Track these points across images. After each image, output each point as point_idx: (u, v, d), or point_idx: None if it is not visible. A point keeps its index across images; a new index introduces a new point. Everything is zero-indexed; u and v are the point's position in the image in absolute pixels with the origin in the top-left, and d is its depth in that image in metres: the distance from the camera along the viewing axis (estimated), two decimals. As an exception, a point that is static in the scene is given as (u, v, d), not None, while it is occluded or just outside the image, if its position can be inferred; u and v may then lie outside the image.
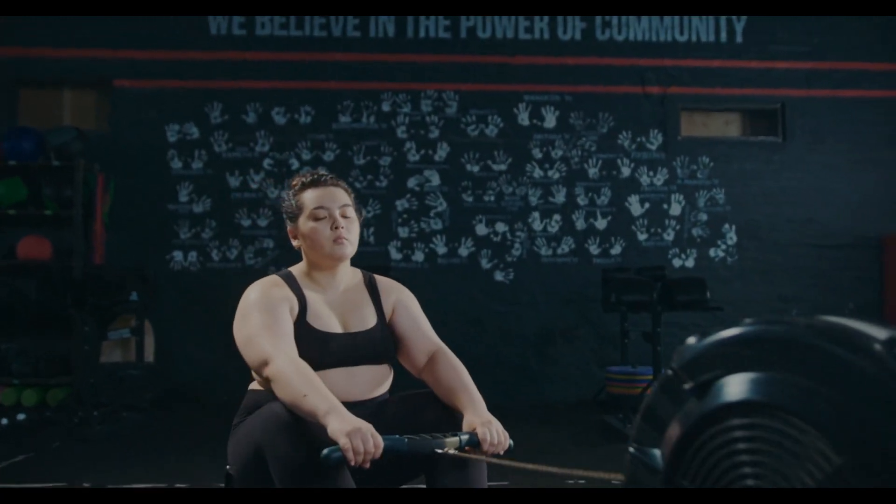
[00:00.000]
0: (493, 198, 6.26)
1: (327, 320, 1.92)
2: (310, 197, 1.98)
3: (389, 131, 6.23)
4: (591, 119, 6.34)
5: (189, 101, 6.12)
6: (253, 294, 1.89)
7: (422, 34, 6.27)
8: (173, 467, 3.77)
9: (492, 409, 1.86)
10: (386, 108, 6.24)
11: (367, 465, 1.59)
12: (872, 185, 6.46)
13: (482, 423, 1.76)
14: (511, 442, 1.77)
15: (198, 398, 5.77)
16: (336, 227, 1.94)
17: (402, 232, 6.19)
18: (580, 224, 6.29)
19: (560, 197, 6.30)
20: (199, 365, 5.89)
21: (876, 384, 0.74)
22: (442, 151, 6.25)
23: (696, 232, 6.39)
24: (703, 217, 6.40)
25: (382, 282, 2.07)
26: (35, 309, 5.60)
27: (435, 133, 6.25)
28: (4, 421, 5.00)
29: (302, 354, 1.80)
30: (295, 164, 6.15)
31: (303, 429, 1.68)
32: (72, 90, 6.28)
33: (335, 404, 1.65)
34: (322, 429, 1.63)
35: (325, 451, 1.57)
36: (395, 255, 6.16)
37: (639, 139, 6.37)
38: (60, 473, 3.64)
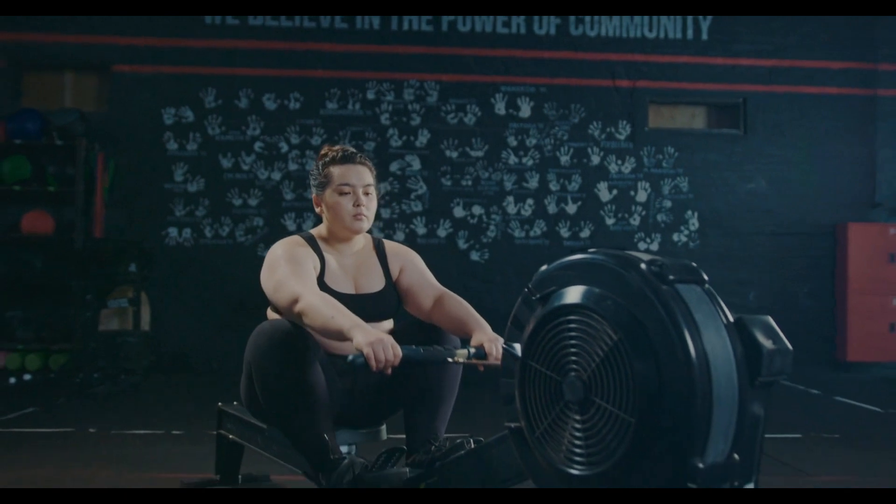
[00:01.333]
0: (470, 182, 6.66)
1: (342, 282, 2.19)
2: (338, 172, 2.21)
3: (374, 118, 6.62)
4: (563, 110, 6.74)
5: (185, 86, 6.48)
6: (279, 249, 2.14)
7: (405, 27, 6.65)
8: (169, 417, 4.18)
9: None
10: (371, 96, 6.62)
11: (389, 372, 1.82)
12: (826, 176, 6.89)
13: (488, 339, 2.09)
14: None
15: (190, 365, 6.18)
16: (358, 205, 2.19)
17: (384, 213, 6.59)
18: (552, 208, 6.71)
19: (533, 182, 6.71)
20: (191, 334, 6.29)
21: (637, 289, 1.15)
22: (423, 138, 6.64)
23: (660, 218, 6.81)
24: (668, 204, 6.82)
25: (390, 246, 2.34)
26: (38, 279, 5.98)
27: (416, 120, 6.64)
28: (13, 380, 5.40)
29: None
30: (284, 147, 6.53)
31: (290, 340, 1.95)
32: (73, 74, 6.63)
33: (358, 321, 1.88)
34: (304, 341, 1.93)
35: (350, 356, 1.78)
36: (377, 234, 6.56)
37: (608, 129, 6.78)
38: (67, 422, 4.04)
